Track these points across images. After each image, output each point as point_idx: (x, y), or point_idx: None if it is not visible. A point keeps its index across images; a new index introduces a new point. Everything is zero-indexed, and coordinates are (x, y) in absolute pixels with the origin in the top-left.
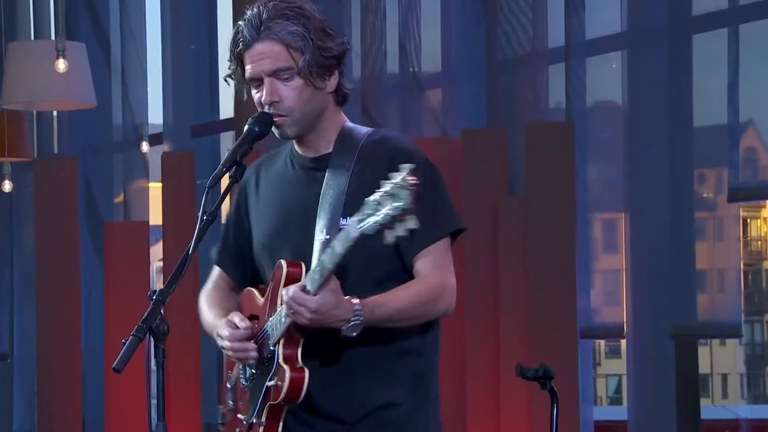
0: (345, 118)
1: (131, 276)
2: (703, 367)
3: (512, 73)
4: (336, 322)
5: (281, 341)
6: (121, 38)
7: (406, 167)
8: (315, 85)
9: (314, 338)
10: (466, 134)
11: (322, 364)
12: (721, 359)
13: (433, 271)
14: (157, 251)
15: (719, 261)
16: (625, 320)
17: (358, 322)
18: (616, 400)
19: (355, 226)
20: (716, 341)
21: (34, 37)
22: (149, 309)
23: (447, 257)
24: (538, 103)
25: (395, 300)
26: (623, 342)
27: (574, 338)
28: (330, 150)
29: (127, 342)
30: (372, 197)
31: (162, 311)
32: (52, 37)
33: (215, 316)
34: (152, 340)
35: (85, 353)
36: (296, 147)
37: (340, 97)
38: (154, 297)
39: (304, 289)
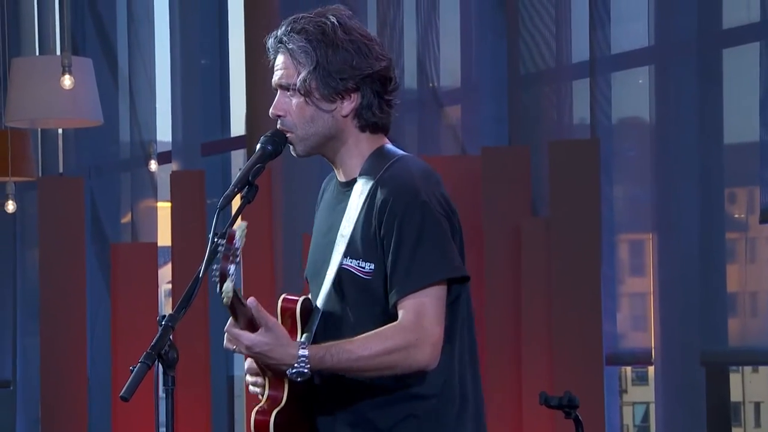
0: (383, 141)
1: (139, 299)
2: (735, 395)
3: (535, 88)
4: (277, 365)
5: (267, 381)
6: (128, 53)
7: (240, 225)
8: (317, 106)
9: (313, 389)
10: (486, 152)
11: (329, 418)
12: (753, 387)
13: (411, 321)
14: (165, 273)
15: (751, 284)
16: (653, 346)
17: (302, 370)
18: (643, 429)
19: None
20: (748, 368)
21: (39, 53)
22: (158, 335)
23: (433, 307)
24: (561, 120)
25: (360, 348)
26: (651, 369)
27: (600, 365)
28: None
29: (135, 369)
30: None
31: (171, 337)
32: (58, 53)
33: None
34: (161, 367)
35: (91, 380)
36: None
37: (364, 123)
38: (163, 322)
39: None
